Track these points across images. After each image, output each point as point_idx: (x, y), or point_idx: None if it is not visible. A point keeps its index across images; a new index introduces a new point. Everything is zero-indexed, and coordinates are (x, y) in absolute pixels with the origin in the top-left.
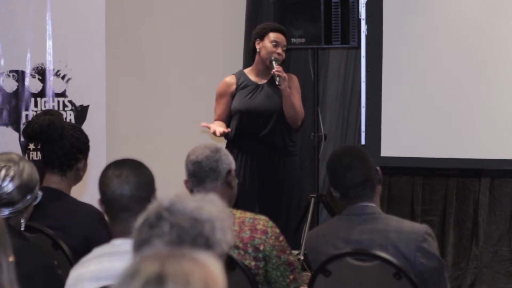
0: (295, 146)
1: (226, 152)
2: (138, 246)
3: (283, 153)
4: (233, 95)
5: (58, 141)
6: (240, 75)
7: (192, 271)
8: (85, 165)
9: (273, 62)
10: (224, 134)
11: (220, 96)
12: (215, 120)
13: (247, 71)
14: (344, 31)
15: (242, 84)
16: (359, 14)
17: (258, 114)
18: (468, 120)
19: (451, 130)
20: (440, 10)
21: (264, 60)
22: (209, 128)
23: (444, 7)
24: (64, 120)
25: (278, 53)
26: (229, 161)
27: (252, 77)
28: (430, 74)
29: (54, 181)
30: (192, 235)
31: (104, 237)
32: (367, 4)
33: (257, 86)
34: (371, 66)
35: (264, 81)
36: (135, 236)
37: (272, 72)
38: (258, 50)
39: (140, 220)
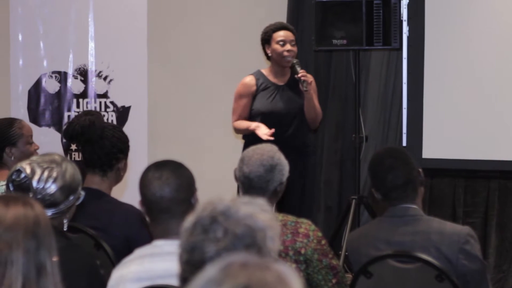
0: (313, 146)
1: (281, 166)
2: (191, 250)
3: (303, 155)
4: (253, 96)
5: (99, 141)
6: (258, 76)
7: (275, 286)
8: (125, 165)
9: (296, 66)
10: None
11: (240, 96)
12: (236, 120)
13: (265, 71)
14: (385, 32)
15: (262, 85)
16: (401, 15)
17: (281, 116)
18: (510, 122)
19: (493, 132)
20: (483, 11)
21: (279, 62)
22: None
23: (487, 8)
24: (105, 120)
25: (288, 51)
26: (281, 176)
27: (271, 78)
28: (472, 76)
29: (95, 181)
30: (245, 243)
31: (145, 237)
32: (409, 5)
33: (277, 88)
34: (412, 68)
35: (282, 82)
36: (185, 237)
37: (296, 77)
38: (270, 55)
39: (190, 221)
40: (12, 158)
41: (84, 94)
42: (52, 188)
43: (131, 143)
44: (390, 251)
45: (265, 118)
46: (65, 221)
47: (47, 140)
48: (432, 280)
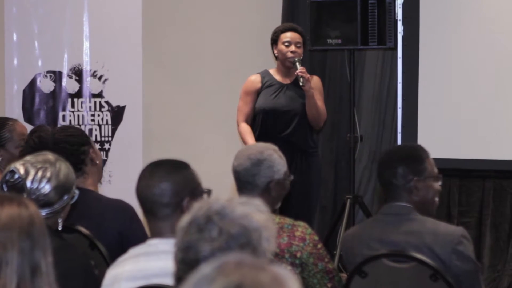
0: (316, 147)
1: (271, 163)
2: (186, 249)
3: (305, 154)
4: (258, 93)
5: (57, 148)
6: (264, 74)
7: (269, 286)
8: (95, 152)
9: (296, 63)
10: None
11: (245, 94)
12: (241, 119)
13: (272, 71)
14: (380, 32)
15: (267, 83)
16: (396, 15)
17: (282, 114)
18: (505, 121)
19: (488, 131)
20: (478, 11)
21: (283, 63)
22: None
23: (482, 7)
24: (51, 126)
25: (292, 52)
26: (271, 173)
27: (277, 77)
28: (466, 75)
29: (78, 182)
30: (240, 243)
31: (137, 231)
32: (403, 5)
33: (281, 86)
34: (407, 67)
35: (288, 81)
36: (180, 236)
37: (295, 74)
38: (276, 55)
39: (186, 220)
40: (1, 159)
41: (79, 94)
42: (46, 188)
43: (125, 143)
44: (384, 251)
45: (266, 114)
46: (59, 220)
47: None
48: (426, 279)
